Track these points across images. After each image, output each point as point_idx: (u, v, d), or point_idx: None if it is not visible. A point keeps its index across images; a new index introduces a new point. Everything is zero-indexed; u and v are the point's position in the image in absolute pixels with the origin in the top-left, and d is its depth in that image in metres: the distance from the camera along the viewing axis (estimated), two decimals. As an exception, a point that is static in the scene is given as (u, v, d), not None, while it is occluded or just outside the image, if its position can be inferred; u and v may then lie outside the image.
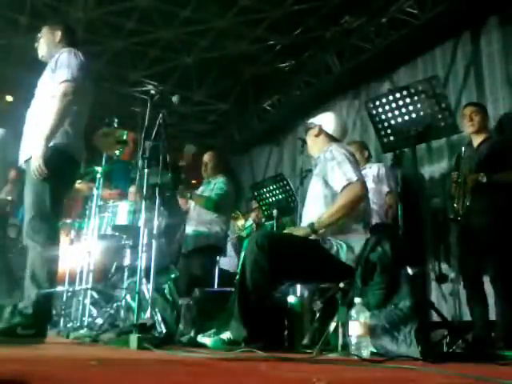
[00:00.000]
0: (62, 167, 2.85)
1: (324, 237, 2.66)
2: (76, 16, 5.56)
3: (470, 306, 3.58)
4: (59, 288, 4.91)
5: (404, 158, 3.39)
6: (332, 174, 2.73)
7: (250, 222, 5.59)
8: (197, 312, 3.22)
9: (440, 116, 2.66)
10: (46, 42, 3.12)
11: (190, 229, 4.37)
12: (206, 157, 4.58)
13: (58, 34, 3.11)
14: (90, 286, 4.04)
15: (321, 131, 3.00)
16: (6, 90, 6.38)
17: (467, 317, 3.72)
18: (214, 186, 4.37)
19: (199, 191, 4.50)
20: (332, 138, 2.98)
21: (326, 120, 3.04)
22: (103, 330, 3.33)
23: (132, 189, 4.87)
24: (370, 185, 3.82)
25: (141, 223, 3.14)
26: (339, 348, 2.39)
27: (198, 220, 4.35)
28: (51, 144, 2.79)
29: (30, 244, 2.81)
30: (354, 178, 2.64)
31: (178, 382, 1.32)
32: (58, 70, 2.87)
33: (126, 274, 4.18)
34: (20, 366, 1.52)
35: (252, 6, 5.40)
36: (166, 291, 3.92)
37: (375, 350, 2.23)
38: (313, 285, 3.04)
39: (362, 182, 2.67)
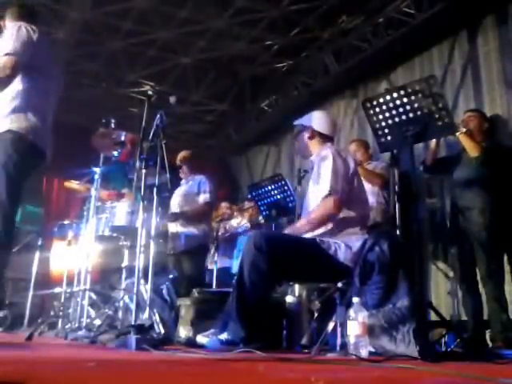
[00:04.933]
0: (23, 154, 2.64)
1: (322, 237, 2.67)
2: (73, 17, 5.56)
3: (464, 305, 3.60)
4: (57, 289, 4.93)
5: (401, 157, 3.39)
6: (320, 182, 2.76)
7: (244, 221, 5.60)
8: (195, 312, 3.22)
9: (437, 115, 2.66)
10: (2, 35, 2.90)
11: (178, 229, 4.40)
12: (180, 158, 4.65)
13: (2, 21, 2.95)
14: (88, 287, 4.04)
15: (314, 133, 2.96)
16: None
17: (465, 316, 3.73)
18: (198, 187, 4.44)
19: (179, 191, 4.58)
20: (325, 138, 2.97)
21: (317, 120, 3.00)
22: (101, 330, 3.32)
23: (128, 190, 4.88)
24: (368, 183, 3.84)
25: (138, 224, 3.13)
26: (337, 348, 2.39)
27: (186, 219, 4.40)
28: (12, 128, 2.63)
29: None
30: (326, 191, 2.66)
31: (177, 382, 1.32)
32: (3, 41, 2.69)
33: (124, 274, 4.18)
34: (18, 367, 1.51)
35: (249, 6, 5.40)
36: (164, 292, 3.92)
37: (373, 350, 2.23)
38: (311, 285, 3.04)
39: (335, 195, 2.65)
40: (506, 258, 3.51)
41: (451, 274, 4.23)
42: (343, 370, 1.75)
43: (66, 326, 4.11)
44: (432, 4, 4.72)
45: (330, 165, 2.71)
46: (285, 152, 7.28)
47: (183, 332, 3.31)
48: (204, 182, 4.51)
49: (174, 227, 4.44)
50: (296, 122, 3.08)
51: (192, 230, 4.37)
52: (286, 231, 2.82)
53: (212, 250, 4.86)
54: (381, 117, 2.79)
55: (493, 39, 4.53)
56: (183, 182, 4.69)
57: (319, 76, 6.22)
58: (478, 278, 3.48)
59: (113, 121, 4.12)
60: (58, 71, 3.00)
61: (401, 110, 2.72)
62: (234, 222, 5.70)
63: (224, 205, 5.92)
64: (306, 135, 2.97)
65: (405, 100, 2.69)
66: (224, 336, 2.46)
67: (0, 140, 2.63)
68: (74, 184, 4.88)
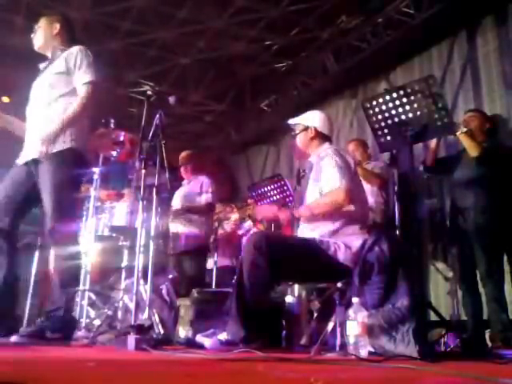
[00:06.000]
0: (79, 169, 2.83)
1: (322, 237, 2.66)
2: (72, 16, 5.54)
3: (464, 305, 3.60)
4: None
5: (401, 157, 3.39)
6: (323, 178, 2.75)
7: (247, 221, 5.58)
8: (194, 312, 3.22)
9: (436, 115, 2.67)
10: (43, 34, 3.05)
11: (178, 229, 4.39)
12: (181, 159, 4.66)
13: (57, 26, 3.05)
14: (87, 287, 4.04)
15: (317, 133, 2.95)
16: (3, 91, 6.36)
17: (465, 316, 3.73)
18: (201, 187, 4.44)
19: (181, 192, 4.58)
20: (325, 138, 2.96)
21: (321, 121, 2.99)
22: (101, 331, 3.32)
23: (128, 190, 4.87)
24: (367, 183, 3.83)
25: (138, 224, 3.13)
26: (337, 348, 2.39)
27: (186, 219, 4.39)
28: (73, 146, 2.76)
29: (55, 249, 2.78)
30: (337, 184, 2.64)
31: (176, 382, 1.32)
32: (77, 70, 2.85)
33: (123, 274, 4.17)
34: (18, 368, 1.51)
35: (248, 6, 5.40)
36: (163, 292, 3.92)
37: (373, 350, 2.23)
38: (310, 285, 3.04)
39: (345, 189, 2.64)
40: (505, 258, 3.51)
41: (451, 274, 4.22)
42: (343, 370, 1.74)
43: (66, 326, 4.09)
44: (431, 4, 4.72)
45: (332, 162, 2.70)
46: (284, 152, 7.27)
47: (183, 332, 3.31)
48: (206, 183, 4.52)
49: (175, 227, 4.44)
50: (293, 121, 3.06)
51: (193, 230, 4.37)
52: (302, 209, 2.78)
53: (211, 250, 4.86)
54: (380, 117, 2.80)
55: (492, 39, 4.54)
56: (184, 182, 4.70)
57: (318, 76, 6.22)
58: (478, 278, 3.48)
59: (112, 121, 4.11)
60: None
61: (400, 110, 2.72)
62: (232, 222, 5.68)
63: (218, 205, 5.91)
64: (309, 135, 2.95)
65: (404, 100, 2.70)
66: (224, 336, 2.46)
67: (60, 157, 2.73)
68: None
